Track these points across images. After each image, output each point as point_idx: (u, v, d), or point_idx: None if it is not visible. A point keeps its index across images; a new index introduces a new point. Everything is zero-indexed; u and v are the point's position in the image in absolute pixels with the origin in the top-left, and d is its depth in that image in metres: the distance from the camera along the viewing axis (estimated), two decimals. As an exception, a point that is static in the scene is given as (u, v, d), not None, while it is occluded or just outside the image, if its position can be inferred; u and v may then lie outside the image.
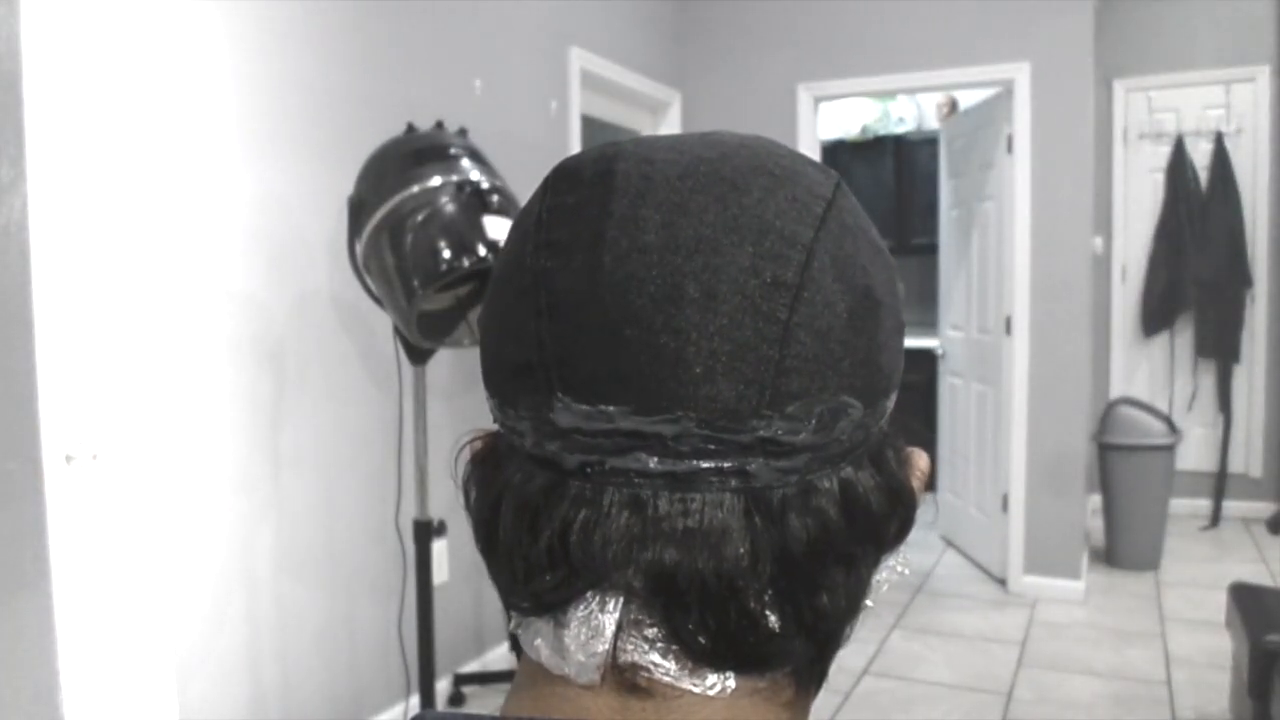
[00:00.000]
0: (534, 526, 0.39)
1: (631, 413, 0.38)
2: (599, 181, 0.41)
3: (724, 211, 0.39)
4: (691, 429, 0.37)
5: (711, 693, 0.39)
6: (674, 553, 0.38)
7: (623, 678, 0.39)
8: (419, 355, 2.27)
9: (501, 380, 0.42)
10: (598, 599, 0.39)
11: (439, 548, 2.71)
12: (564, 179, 0.43)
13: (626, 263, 0.38)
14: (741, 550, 0.37)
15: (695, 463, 0.38)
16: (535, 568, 0.39)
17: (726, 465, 0.38)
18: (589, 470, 0.39)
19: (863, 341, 0.40)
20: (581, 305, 0.39)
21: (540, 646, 0.41)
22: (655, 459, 0.38)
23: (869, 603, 0.43)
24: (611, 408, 0.38)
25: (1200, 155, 4.91)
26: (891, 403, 0.43)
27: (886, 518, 0.42)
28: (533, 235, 0.42)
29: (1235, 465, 4.94)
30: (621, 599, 0.39)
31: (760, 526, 0.38)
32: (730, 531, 0.38)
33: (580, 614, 0.39)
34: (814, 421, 0.38)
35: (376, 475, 2.62)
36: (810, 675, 0.42)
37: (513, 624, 0.42)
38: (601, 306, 0.38)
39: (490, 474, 0.42)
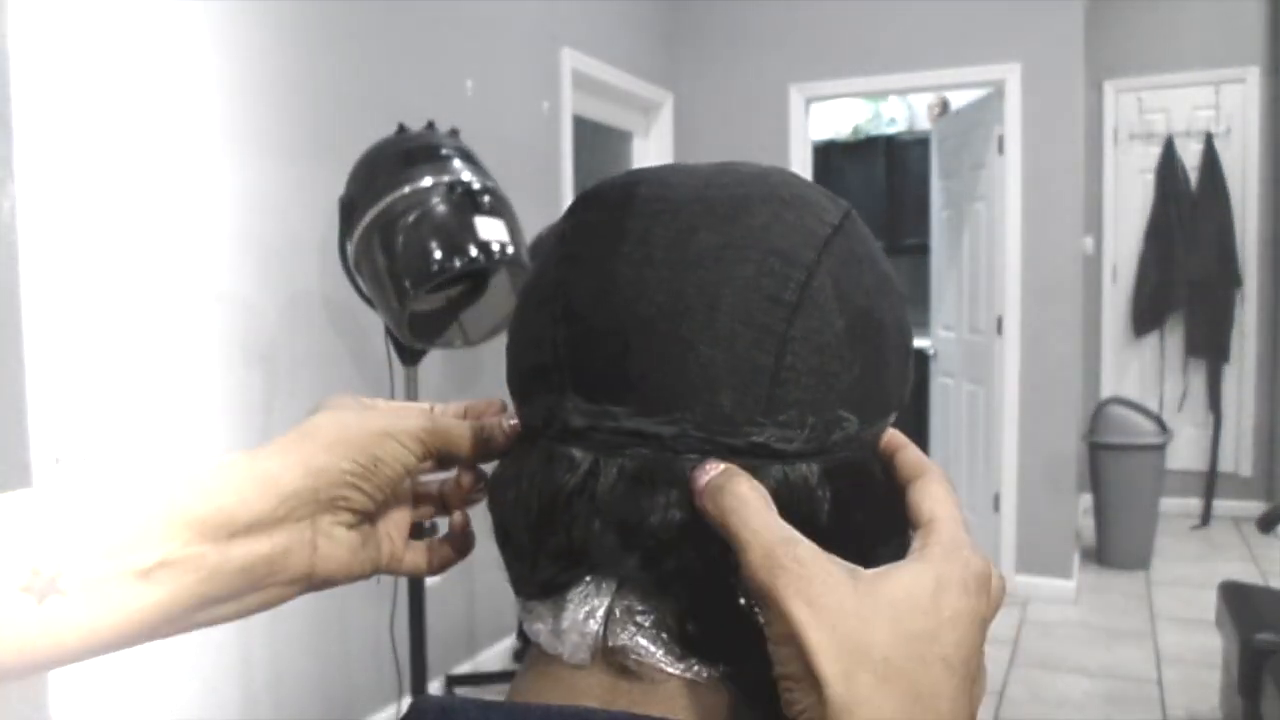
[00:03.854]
0: (544, 517, 0.42)
1: (634, 413, 0.40)
2: (619, 203, 0.44)
3: (731, 232, 0.42)
4: (689, 430, 0.40)
5: (700, 679, 0.41)
6: (667, 545, 0.40)
7: (613, 659, 0.41)
8: (411, 356, 2.27)
9: (521, 382, 0.46)
10: (594, 583, 0.41)
11: (431, 549, 2.71)
12: (589, 200, 0.46)
13: (637, 275, 0.41)
14: (729, 546, 0.38)
15: (690, 458, 0.40)
16: (544, 556, 0.42)
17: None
18: (595, 465, 0.41)
19: (861, 360, 0.42)
20: (594, 312, 0.42)
21: (540, 630, 0.43)
22: (653, 455, 0.40)
23: None
24: (616, 408, 0.40)
25: (1190, 156, 4.93)
26: (890, 420, 0.46)
27: (877, 518, 0.43)
28: (556, 250, 0.45)
29: (1225, 464, 4.96)
30: (616, 584, 0.41)
31: None
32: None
33: (578, 596, 0.41)
34: (807, 431, 0.40)
35: (368, 476, 2.60)
36: None
37: (521, 612, 0.45)
38: (612, 313, 0.41)
39: (509, 468, 0.45)
